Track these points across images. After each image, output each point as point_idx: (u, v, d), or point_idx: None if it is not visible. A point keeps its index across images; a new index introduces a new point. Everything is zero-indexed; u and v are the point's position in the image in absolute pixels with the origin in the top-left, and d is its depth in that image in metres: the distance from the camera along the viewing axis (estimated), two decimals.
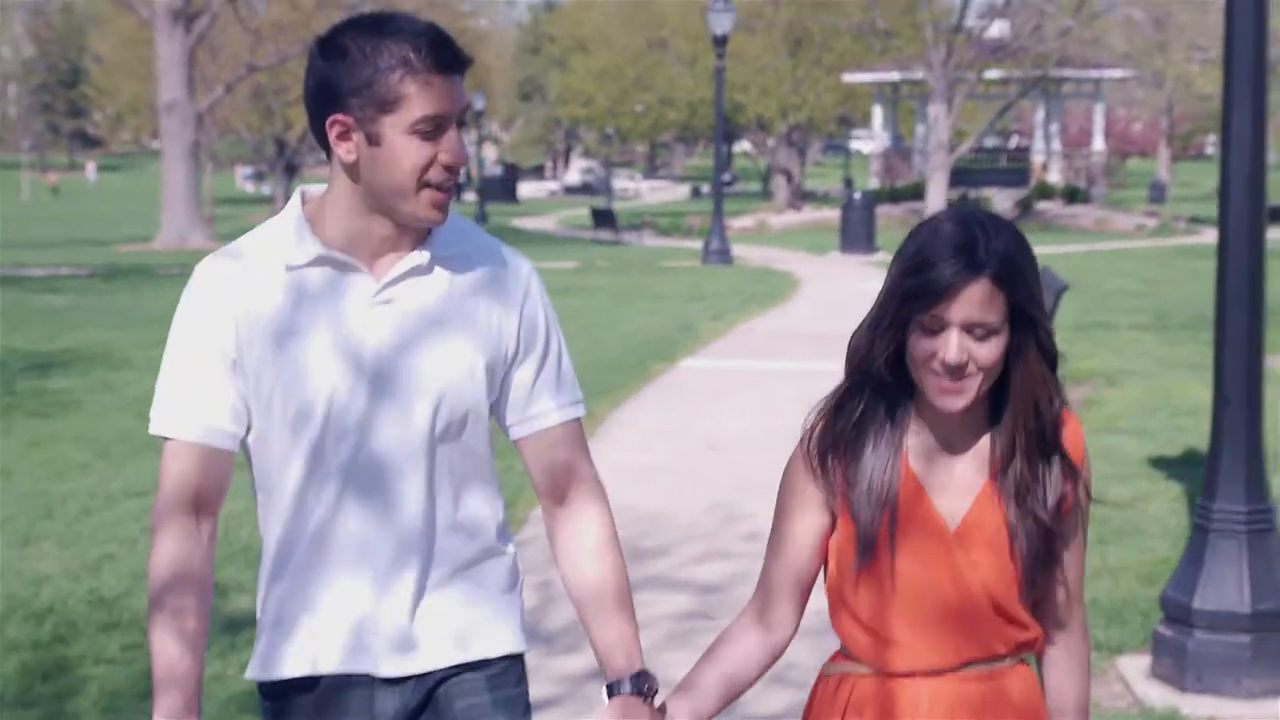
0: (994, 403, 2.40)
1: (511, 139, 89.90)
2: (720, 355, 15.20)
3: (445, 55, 2.43)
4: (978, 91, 42.07)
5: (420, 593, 2.55)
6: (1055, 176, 43.59)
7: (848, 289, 21.99)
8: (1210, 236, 30.85)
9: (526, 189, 72.74)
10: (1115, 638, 6.08)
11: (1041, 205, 40.70)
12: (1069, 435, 2.43)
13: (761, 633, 2.52)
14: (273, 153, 49.74)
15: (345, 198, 2.50)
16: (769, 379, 13.28)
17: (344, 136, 2.44)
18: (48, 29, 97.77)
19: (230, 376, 2.49)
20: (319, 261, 2.50)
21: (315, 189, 2.59)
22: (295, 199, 2.57)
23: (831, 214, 39.38)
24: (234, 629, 5.97)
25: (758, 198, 59.00)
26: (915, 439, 2.42)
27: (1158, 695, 5.53)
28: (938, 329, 2.31)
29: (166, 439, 2.51)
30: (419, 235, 2.53)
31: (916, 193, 40.12)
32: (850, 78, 46.31)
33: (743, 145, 71.76)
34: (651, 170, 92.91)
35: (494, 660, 2.61)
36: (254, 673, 2.61)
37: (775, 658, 2.54)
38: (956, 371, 2.32)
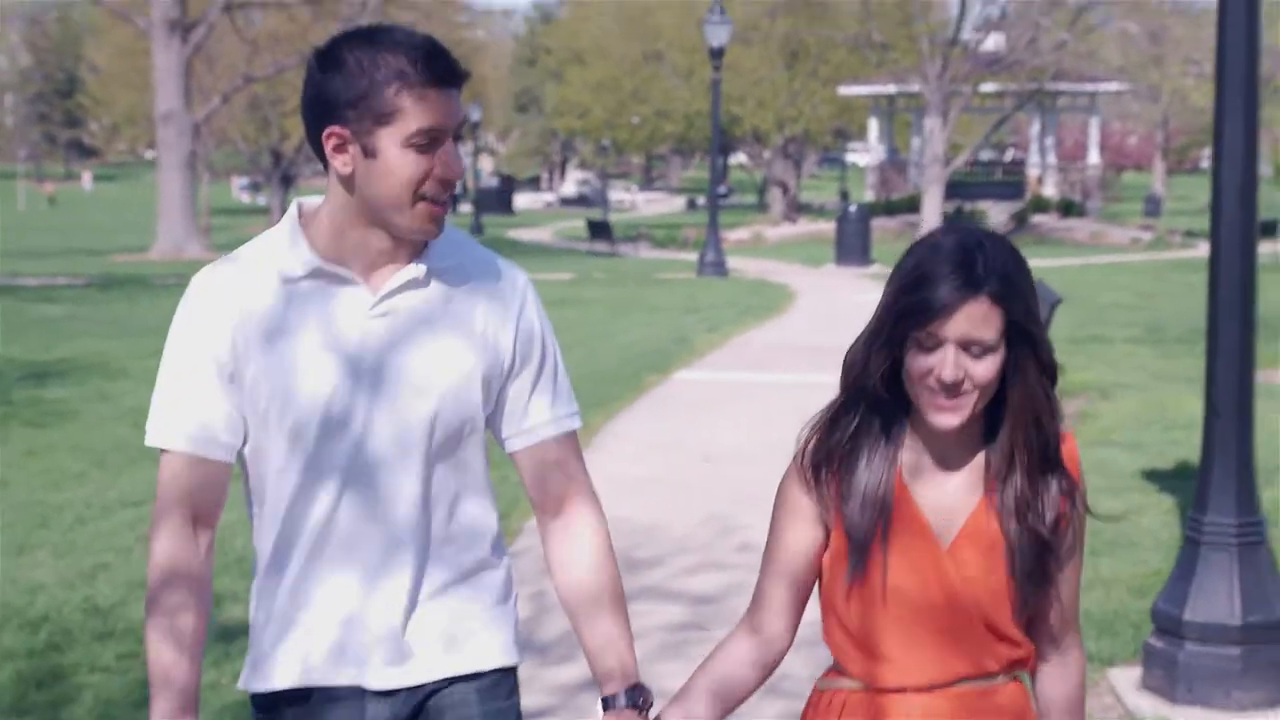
0: (989, 419, 2.40)
1: (507, 150, 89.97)
2: (715, 367, 15.19)
3: (442, 69, 2.43)
4: (973, 104, 42.13)
5: (414, 602, 2.55)
6: (1050, 190, 43.65)
7: (843, 301, 22.01)
8: (1205, 250, 30.95)
9: (522, 200, 72.78)
10: (1106, 649, 6.09)
11: (1037, 218, 40.76)
12: (1065, 452, 2.43)
13: (757, 645, 2.51)
14: (269, 164, 49.70)
15: (342, 209, 2.50)
16: (764, 391, 13.28)
17: (340, 148, 2.45)
18: (44, 38, 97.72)
19: (226, 387, 2.49)
20: (315, 273, 2.50)
21: (312, 200, 2.58)
22: (292, 210, 2.56)
23: (827, 226, 39.41)
24: (228, 638, 5.97)
25: (753, 210, 59.07)
26: (909, 454, 2.43)
27: (1148, 707, 5.54)
28: (934, 346, 2.31)
29: (163, 450, 2.51)
30: (415, 248, 2.53)
31: (912, 205, 40.19)
32: (846, 90, 46.38)
33: (738, 157, 71.92)
34: (647, 182, 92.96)
35: (486, 673, 2.61)
36: (245, 682, 2.61)
37: (771, 670, 2.54)
38: (952, 389, 2.32)
